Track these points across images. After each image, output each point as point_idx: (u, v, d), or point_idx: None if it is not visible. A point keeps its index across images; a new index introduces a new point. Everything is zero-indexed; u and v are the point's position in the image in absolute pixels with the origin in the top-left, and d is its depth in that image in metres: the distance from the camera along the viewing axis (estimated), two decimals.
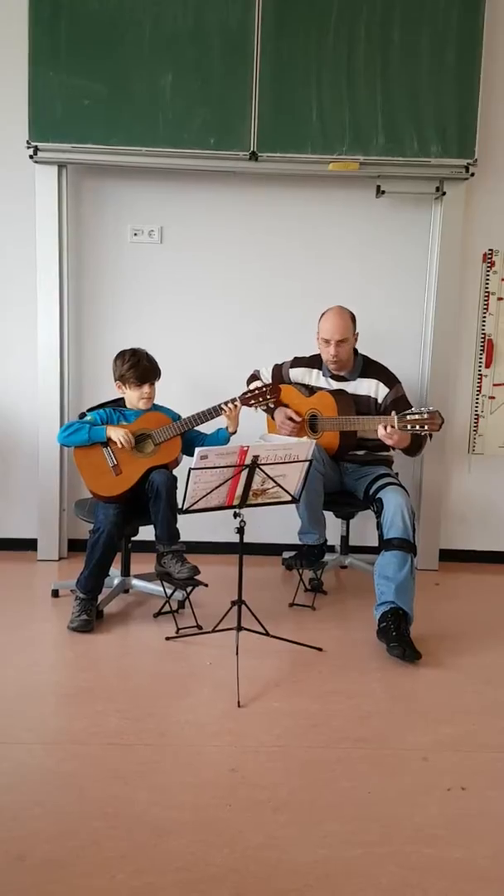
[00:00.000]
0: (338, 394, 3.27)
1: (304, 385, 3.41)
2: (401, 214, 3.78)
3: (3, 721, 2.34)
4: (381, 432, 2.97)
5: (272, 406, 3.34)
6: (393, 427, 2.94)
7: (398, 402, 3.22)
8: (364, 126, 3.51)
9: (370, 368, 3.33)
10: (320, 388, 3.35)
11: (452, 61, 3.50)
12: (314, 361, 3.42)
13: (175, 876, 1.72)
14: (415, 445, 3.14)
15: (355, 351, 3.35)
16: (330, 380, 3.35)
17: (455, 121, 3.52)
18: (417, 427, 2.93)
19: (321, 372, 3.38)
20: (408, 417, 2.94)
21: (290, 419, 3.33)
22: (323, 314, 3.30)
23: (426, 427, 2.92)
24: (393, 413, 2.97)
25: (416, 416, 2.93)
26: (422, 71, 3.50)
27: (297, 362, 3.46)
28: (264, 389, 3.14)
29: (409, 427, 2.94)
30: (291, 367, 3.46)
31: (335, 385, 3.33)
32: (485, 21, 3.49)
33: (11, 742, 2.23)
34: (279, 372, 3.48)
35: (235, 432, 3.17)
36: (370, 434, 3.14)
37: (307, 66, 3.48)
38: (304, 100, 3.49)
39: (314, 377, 3.40)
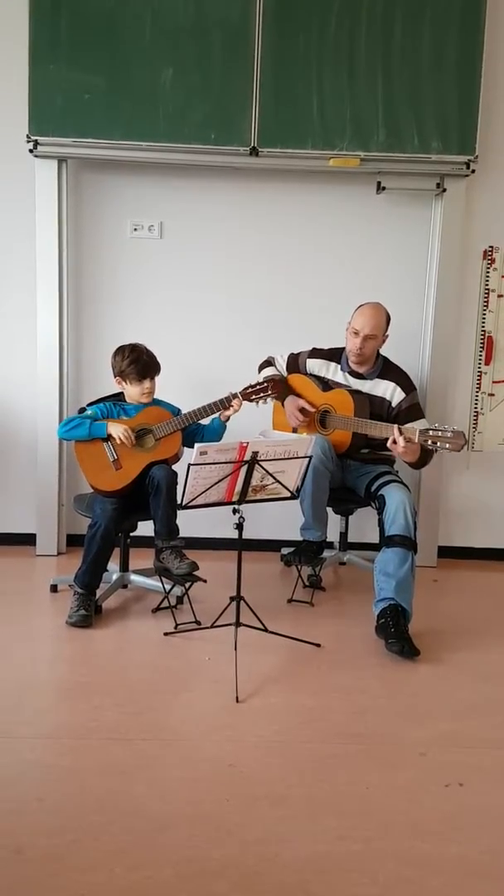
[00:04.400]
0: (356, 394, 3.22)
1: (318, 378, 3.37)
2: (401, 211, 3.77)
3: (1, 716, 2.34)
4: (395, 443, 2.90)
5: (276, 398, 3.29)
6: (410, 440, 2.88)
7: (411, 410, 3.19)
8: (365, 122, 3.50)
9: (389, 371, 3.29)
10: (337, 384, 3.31)
11: (454, 57, 3.49)
12: (334, 355, 3.37)
13: (173, 870, 1.73)
14: (422, 461, 3.10)
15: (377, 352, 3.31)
16: (347, 375, 3.30)
17: (456, 117, 3.52)
18: (438, 444, 2.84)
19: (339, 366, 3.34)
20: (430, 433, 2.86)
21: (302, 410, 3.28)
22: (360, 306, 3.25)
23: (448, 446, 2.82)
24: (416, 428, 2.90)
25: (440, 433, 2.84)
26: (423, 66, 3.49)
27: (316, 353, 3.41)
28: (265, 385, 3.13)
29: (430, 443, 2.86)
30: (309, 357, 3.41)
31: (352, 381, 3.29)
32: (486, 17, 3.48)
33: (10, 737, 2.23)
34: (295, 361, 3.43)
35: (228, 419, 3.16)
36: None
37: (308, 61, 3.47)
38: (305, 95, 3.48)
39: (331, 371, 3.35)
